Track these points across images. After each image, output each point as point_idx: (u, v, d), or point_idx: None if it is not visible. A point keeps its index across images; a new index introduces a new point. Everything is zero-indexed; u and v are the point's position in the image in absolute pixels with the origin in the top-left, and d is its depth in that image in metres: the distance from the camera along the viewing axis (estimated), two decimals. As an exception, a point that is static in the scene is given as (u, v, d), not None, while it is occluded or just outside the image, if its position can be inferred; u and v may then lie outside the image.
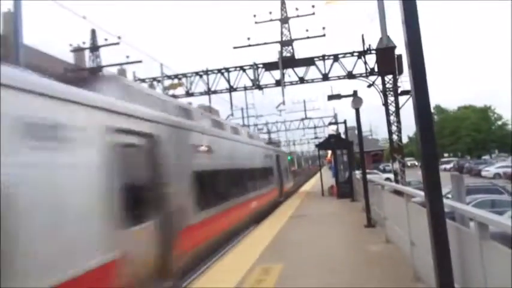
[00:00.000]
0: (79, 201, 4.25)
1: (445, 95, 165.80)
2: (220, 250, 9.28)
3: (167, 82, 21.69)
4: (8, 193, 3.33)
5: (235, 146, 12.68)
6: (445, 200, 3.37)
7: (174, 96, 22.32)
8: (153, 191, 6.08)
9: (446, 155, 76.84)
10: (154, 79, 21.98)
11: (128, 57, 23.61)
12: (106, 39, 23.82)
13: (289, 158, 47.55)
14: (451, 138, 75.60)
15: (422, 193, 3.90)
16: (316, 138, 56.75)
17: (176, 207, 6.68)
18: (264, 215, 14.28)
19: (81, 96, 4.73)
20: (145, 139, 6.11)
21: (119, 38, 21.21)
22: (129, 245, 5.06)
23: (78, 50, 25.64)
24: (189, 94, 21.79)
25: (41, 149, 3.86)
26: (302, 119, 48.73)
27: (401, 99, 19.93)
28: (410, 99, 19.64)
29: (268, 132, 47.67)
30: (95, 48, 24.40)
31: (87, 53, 25.26)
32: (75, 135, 4.35)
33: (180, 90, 21.89)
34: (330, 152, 39.63)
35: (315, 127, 51.84)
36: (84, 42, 24.80)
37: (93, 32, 24.55)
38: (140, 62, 23.20)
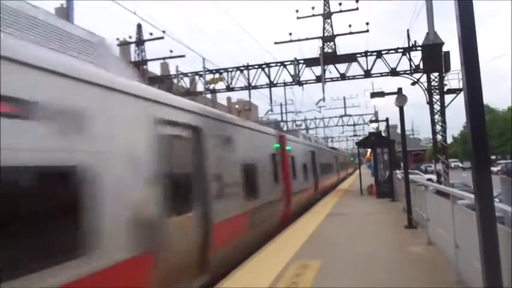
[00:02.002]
0: None
1: (493, 94, 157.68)
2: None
3: (209, 76, 22.07)
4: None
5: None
6: (495, 204, 3.28)
7: (214, 90, 22.73)
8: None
9: (493, 157, 73.13)
10: (196, 73, 22.43)
11: (171, 51, 24.16)
12: (151, 34, 24.49)
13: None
14: (499, 139, 71.86)
15: (470, 195, 3.80)
16: (355, 135, 55.83)
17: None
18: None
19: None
20: None
21: (164, 32, 21.74)
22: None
23: (124, 44, 26.51)
24: (229, 89, 22.09)
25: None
26: (341, 116, 48.09)
27: (447, 98, 19.27)
28: (457, 98, 18.99)
29: (307, 128, 47.38)
30: (140, 42, 25.13)
31: (132, 47, 26.08)
32: None
33: (221, 85, 22.25)
34: (369, 150, 38.83)
35: (354, 124, 50.98)
36: (130, 37, 25.58)
37: (139, 26, 25.27)
38: (183, 56, 23.68)
